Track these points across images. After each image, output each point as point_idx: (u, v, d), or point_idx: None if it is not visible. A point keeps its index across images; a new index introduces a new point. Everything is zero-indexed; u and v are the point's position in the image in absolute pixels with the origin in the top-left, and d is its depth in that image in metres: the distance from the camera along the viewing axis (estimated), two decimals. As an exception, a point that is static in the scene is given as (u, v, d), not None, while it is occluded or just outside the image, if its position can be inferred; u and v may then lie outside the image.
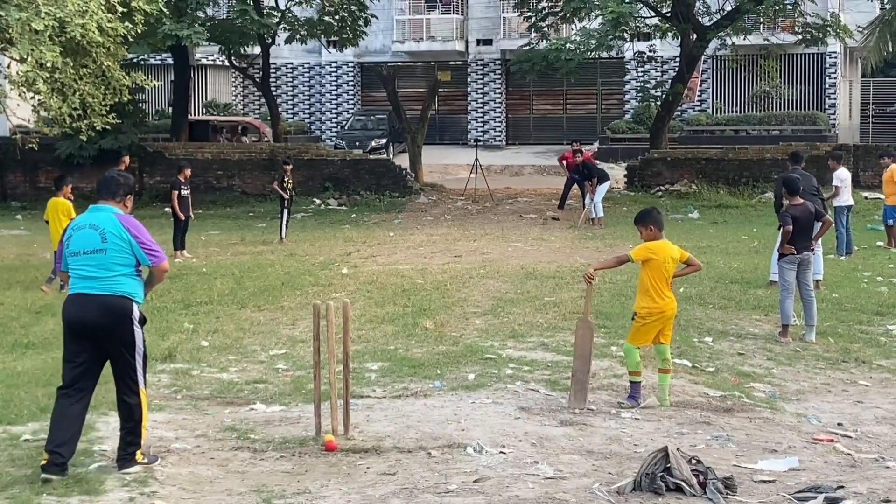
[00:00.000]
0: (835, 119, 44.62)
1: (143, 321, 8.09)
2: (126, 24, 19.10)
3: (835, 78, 45.24)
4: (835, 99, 45.25)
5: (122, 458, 7.95)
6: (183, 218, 21.49)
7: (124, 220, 8.04)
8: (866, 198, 30.11)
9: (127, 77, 20.22)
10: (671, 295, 10.01)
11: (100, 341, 7.93)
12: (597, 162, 30.32)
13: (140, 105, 35.71)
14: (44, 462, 7.69)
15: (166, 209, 23.53)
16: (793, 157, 17.72)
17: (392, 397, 10.10)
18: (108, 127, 20.84)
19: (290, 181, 24.66)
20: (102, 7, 18.27)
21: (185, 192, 21.77)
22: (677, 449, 7.51)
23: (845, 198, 20.61)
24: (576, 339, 10.09)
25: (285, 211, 24.21)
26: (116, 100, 20.42)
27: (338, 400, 8.77)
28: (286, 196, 24.19)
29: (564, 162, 29.22)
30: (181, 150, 34.87)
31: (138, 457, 7.99)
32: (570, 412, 9.53)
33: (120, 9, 18.85)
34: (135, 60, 35.37)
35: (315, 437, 8.67)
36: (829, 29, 34.35)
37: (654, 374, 10.31)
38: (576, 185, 28.68)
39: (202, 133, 40.31)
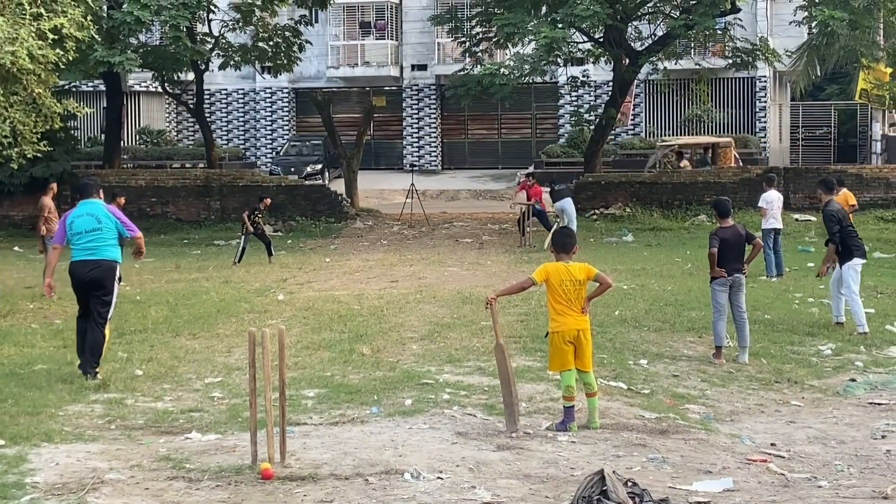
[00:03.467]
0: (765, 142, 45.22)
1: (119, 278, 12.16)
2: (57, 50, 18.89)
3: (765, 101, 45.87)
4: (765, 122, 45.86)
5: (87, 370, 11.73)
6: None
7: (109, 208, 12.08)
8: (797, 220, 30.52)
9: (58, 104, 19.98)
10: (574, 314, 10.03)
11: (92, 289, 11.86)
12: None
13: (72, 132, 35.35)
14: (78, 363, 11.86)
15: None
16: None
17: (329, 424, 10.06)
18: (39, 154, 20.60)
19: (262, 216, 25.11)
20: (33, 34, 18.08)
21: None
22: (613, 471, 7.54)
23: (772, 220, 20.92)
24: (497, 365, 10.19)
25: (243, 238, 24.87)
26: (48, 127, 20.17)
27: (274, 427, 8.72)
28: (250, 229, 24.67)
29: (525, 193, 28.41)
30: (114, 178, 34.51)
31: (100, 373, 11.79)
32: (507, 436, 9.55)
33: (51, 36, 18.64)
34: (66, 87, 35.07)
35: (251, 465, 8.61)
36: (758, 53, 34.89)
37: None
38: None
39: None
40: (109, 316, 12.09)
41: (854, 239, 15.35)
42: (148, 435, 9.78)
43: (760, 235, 18.76)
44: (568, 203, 27.53)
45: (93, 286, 11.87)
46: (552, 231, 26.22)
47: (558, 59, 32.97)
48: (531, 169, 34.91)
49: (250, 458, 8.69)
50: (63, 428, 9.91)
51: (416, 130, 49.14)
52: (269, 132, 49.94)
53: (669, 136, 45.62)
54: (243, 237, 24.90)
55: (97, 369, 11.78)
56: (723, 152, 37.82)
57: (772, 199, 21.08)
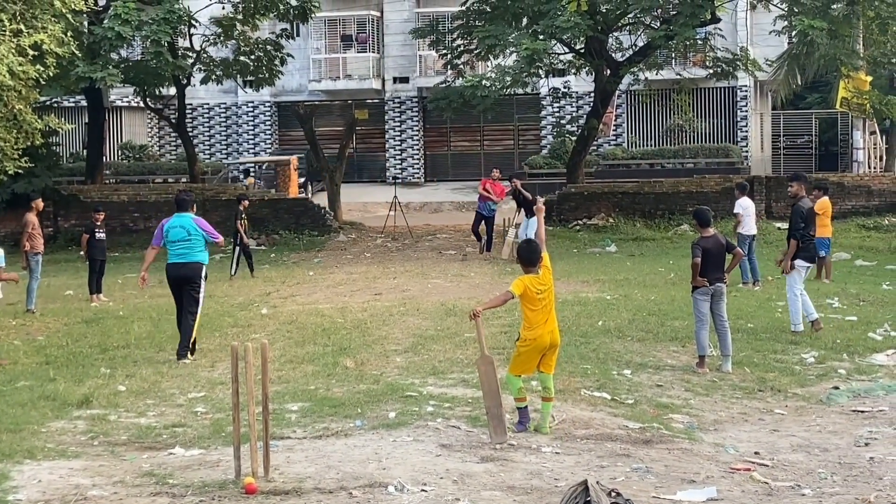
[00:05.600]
0: (747, 151, 45.34)
1: (205, 276, 14.49)
2: (38, 66, 18.85)
3: (746, 111, 46.01)
4: (746, 131, 45.99)
5: (180, 354, 14.05)
6: (95, 260, 21.35)
7: (197, 221, 14.48)
8: (779, 228, 30.57)
9: (39, 120, 19.95)
10: (548, 322, 10.18)
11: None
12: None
13: (54, 148, 35.23)
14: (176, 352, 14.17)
15: (82, 252, 23.22)
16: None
17: (312, 438, 10.04)
18: (20, 171, 20.55)
19: (244, 219, 24.86)
20: (13, 50, 18.04)
21: (99, 235, 21.55)
22: (597, 482, 7.55)
23: (748, 227, 21.07)
24: (480, 377, 10.18)
25: (237, 248, 24.57)
26: (29, 143, 20.14)
27: (258, 442, 8.71)
28: (242, 236, 24.54)
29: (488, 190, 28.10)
30: (96, 193, 34.49)
31: (188, 356, 14.02)
32: (492, 448, 9.55)
33: (31, 52, 18.61)
34: (48, 103, 34.98)
35: (235, 480, 8.59)
36: (738, 63, 35.00)
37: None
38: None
39: None
40: (199, 310, 14.38)
41: (806, 241, 15.83)
42: (131, 451, 9.76)
43: (736, 241, 19.06)
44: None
45: (184, 281, 14.30)
46: (514, 244, 26.09)
47: (540, 71, 33.02)
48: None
49: (234, 473, 8.67)
50: (46, 445, 9.88)
51: (399, 143, 49.15)
52: (252, 146, 49.89)
53: (651, 146, 45.81)
54: (237, 247, 24.75)
55: (188, 350, 14.14)
56: (281, 170, 38.44)
57: (746, 205, 21.29)
